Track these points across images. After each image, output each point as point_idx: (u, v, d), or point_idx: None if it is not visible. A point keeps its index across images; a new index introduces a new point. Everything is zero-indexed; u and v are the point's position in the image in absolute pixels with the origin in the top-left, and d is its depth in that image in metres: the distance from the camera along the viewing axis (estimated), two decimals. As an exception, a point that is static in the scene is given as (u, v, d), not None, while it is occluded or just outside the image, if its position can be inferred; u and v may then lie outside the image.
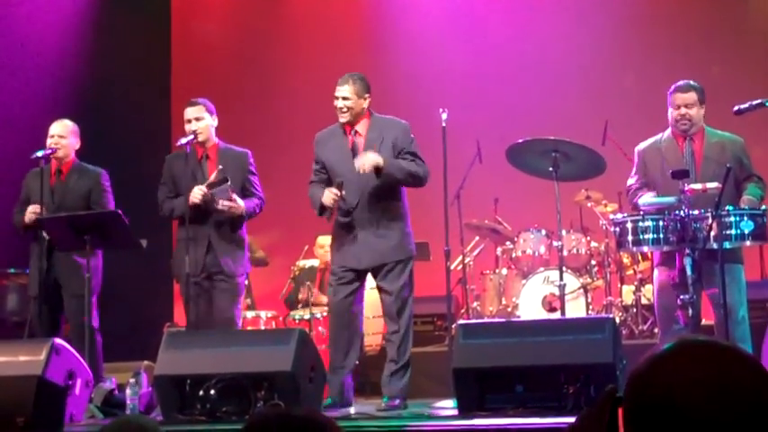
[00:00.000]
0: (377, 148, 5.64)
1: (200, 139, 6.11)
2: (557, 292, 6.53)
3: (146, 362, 6.95)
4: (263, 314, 7.77)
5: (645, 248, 5.74)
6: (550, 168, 6.05)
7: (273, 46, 10.34)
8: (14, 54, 8.60)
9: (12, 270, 7.84)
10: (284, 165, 8.89)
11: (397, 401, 5.54)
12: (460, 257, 7.85)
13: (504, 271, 8.03)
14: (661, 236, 5.29)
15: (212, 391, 5.00)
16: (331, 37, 10.16)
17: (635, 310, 7.59)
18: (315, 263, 8.37)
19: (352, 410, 5.47)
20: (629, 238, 5.39)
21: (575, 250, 7.76)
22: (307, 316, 7.45)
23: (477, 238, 8.41)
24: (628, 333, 7.38)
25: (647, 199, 5.50)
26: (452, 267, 6.93)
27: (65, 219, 6.18)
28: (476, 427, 4.63)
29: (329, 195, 5.58)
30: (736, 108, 5.42)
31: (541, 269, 7.60)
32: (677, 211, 5.25)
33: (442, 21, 9.91)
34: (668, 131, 5.72)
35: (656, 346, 1.44)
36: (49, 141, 6.49)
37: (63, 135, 6.52)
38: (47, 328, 6.26)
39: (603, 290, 7.76)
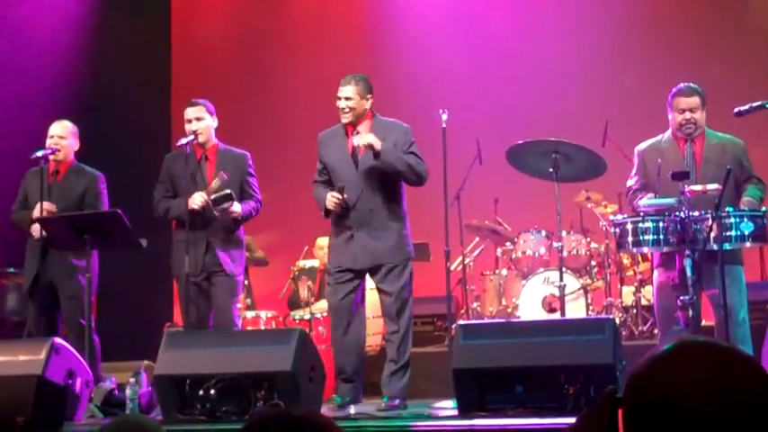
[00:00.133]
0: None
1: (201, 139, 6.11)
2: (557, 292, 6.52)
3: (146, 362, 6.95)
4: (263, 314, 7.75)
5: (645, 249, 5.73)
6: (550, 169, 6.05)
7: (273, 46, 10.33)
8: (14, 54, 8.60)
9: (11, 269, 7.83)
10: (284, 165, 8.90)
11: (397, 401, 5.54)
12: (460, 258, 7.85)
13: (504, 272, 8.03)
14: (661, 237, 5.28)
15: (212, 391, 5.00)
16: (331, 37, 10.16)
17: (635, 310, 7.58)
18: (315, 263, 8.36)
19: (352, 410, 5.47)
20: (629, 239, 5.38)
21: (575, 251, 7.75)
22: (307, 316, 7.44)
23: (478, 238, 8.40)
24: (628, 334, 7.38)
25: (647, 201, 5.49)
26: (452, 268, 6.93)
27: (66, 218, 6.17)
28: (476, 427, 4.63)
29: (331, 200, 5.60)
30: (736, 110, 5.41)
31: (541, 270, 7.59)
32: (677, 213, 5.24)
33: (442, 21, 9.90)
34: (668, 133, 5.71)
35: (655, 347, 1.44)
36: (48, 142, 6.48)
37: (63, 136, 6.51)
38: (44, 329, 6.26)
39: (603, 291, 7.75)
